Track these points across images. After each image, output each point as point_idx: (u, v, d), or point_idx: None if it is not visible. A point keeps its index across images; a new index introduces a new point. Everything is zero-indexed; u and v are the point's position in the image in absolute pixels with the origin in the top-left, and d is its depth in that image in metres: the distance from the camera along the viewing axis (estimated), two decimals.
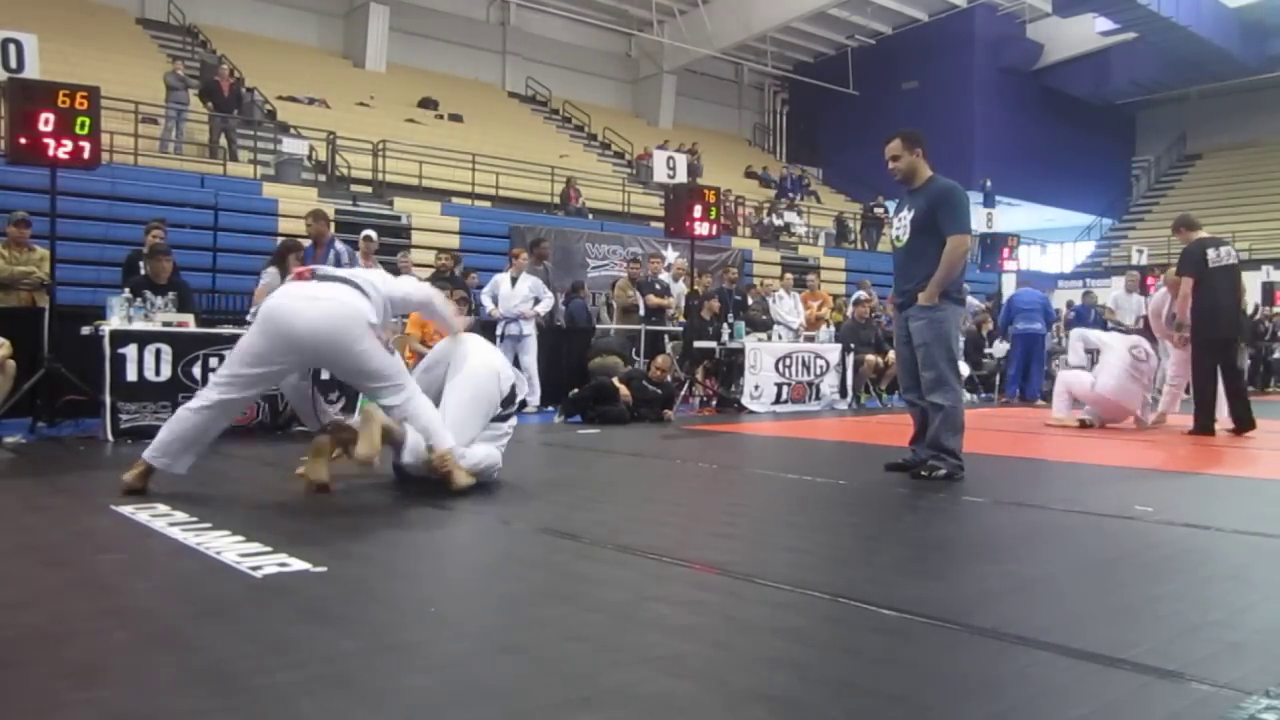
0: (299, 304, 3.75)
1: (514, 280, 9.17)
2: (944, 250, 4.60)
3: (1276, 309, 17.11)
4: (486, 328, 8.97)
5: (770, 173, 25.45)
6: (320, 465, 3.93)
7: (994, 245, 14.73)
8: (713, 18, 24.87)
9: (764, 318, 11.19)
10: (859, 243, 22.23)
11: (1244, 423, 7.14)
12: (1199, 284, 7.04)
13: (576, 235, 15.87)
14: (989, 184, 21.72)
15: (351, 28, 22.77)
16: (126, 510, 3.45)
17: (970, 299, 13.08)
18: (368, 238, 9.02)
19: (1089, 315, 15.23)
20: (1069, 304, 17.88)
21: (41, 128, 6.29)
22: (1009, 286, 16.79)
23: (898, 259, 4.98)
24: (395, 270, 8.47)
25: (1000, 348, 12.58)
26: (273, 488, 4.39)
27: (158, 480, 3.85)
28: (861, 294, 12.26)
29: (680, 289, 11.25)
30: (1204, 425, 7.11)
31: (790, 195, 23.27)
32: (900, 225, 4.89)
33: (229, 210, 12.55)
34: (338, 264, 7.89)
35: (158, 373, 6.12)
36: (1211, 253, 7.12)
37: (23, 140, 6.30)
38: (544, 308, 9.32)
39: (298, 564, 2.65)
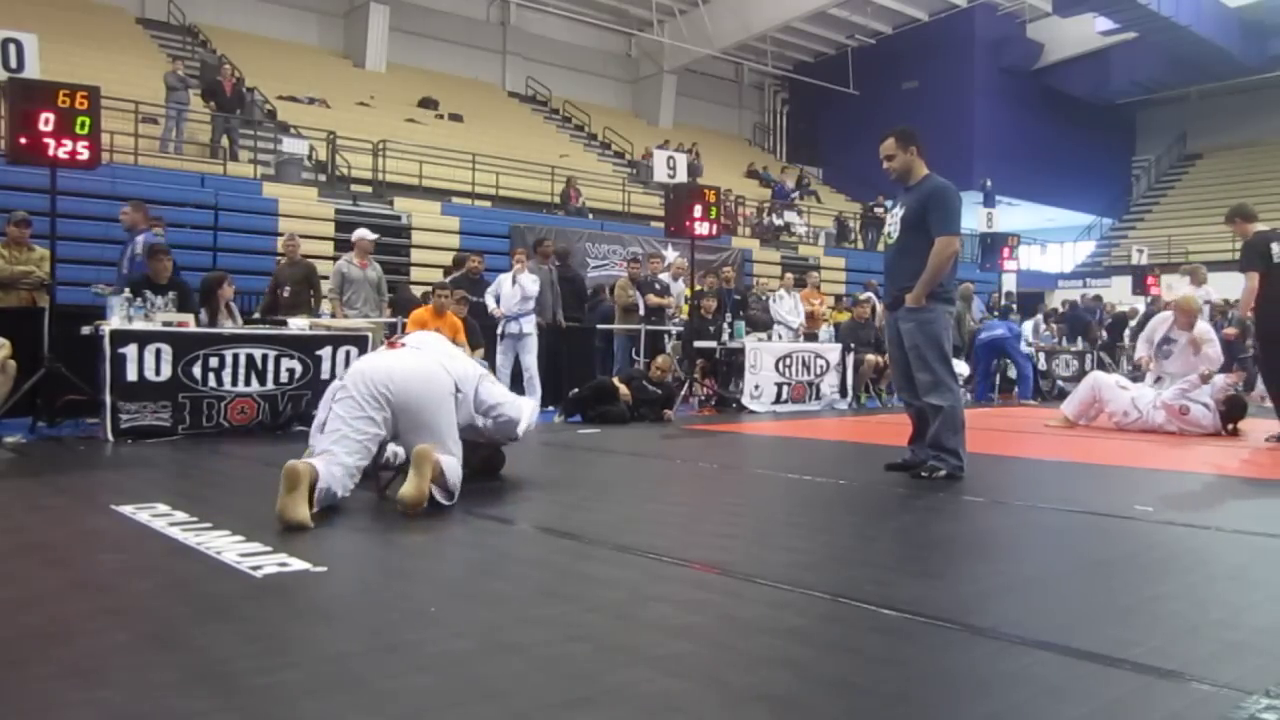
0: (389, 358, 3.78)
1: (514, 279, 9.18)
2: (931, 251, 4.57)
3: None
4: (488, 328, 9.00)
5: (770, 172, 25.46)
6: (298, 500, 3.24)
7: (994, 245, 14.74)
8: (713, 18, 24.87)
9: (764, 316, 11.19)
10: (859, 242, 22.24)
11: None
12: (1264, 279, 6.50)
13: (576, 235, 15.87)
14: (989, 184, 21.71)
15: (351, 27, 22.78)
16: (126, 510, 3.45)
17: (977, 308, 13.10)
18: (361, 237, 9.03)
19: (1093, 317, 15.24)
20: (1064, 302, 17.90)
21: (41, 127, 6.29)
22: (1009, 285, 16.85)
23: (888, 256, 4.98)
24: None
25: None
26: (273, 488, 4.38)
27: (158, 480, 3.85)
28: (867, 294, 12.28)
29: (680, 288, 11.25)
30: None
31: (792, 195, 23.26)
32: (892, 222, 4.88)
33: (229, 210, 12.57)
34: (132, 257, 7.78)
35: (158, 372, 6.12)
36: (1276, 246, 6.52)
37: (23, 140, 6.30)
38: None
39: (298, 564, 2.65)
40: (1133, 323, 15.47)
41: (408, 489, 3.39)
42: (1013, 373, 12.35)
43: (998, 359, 12.01)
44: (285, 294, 8.75)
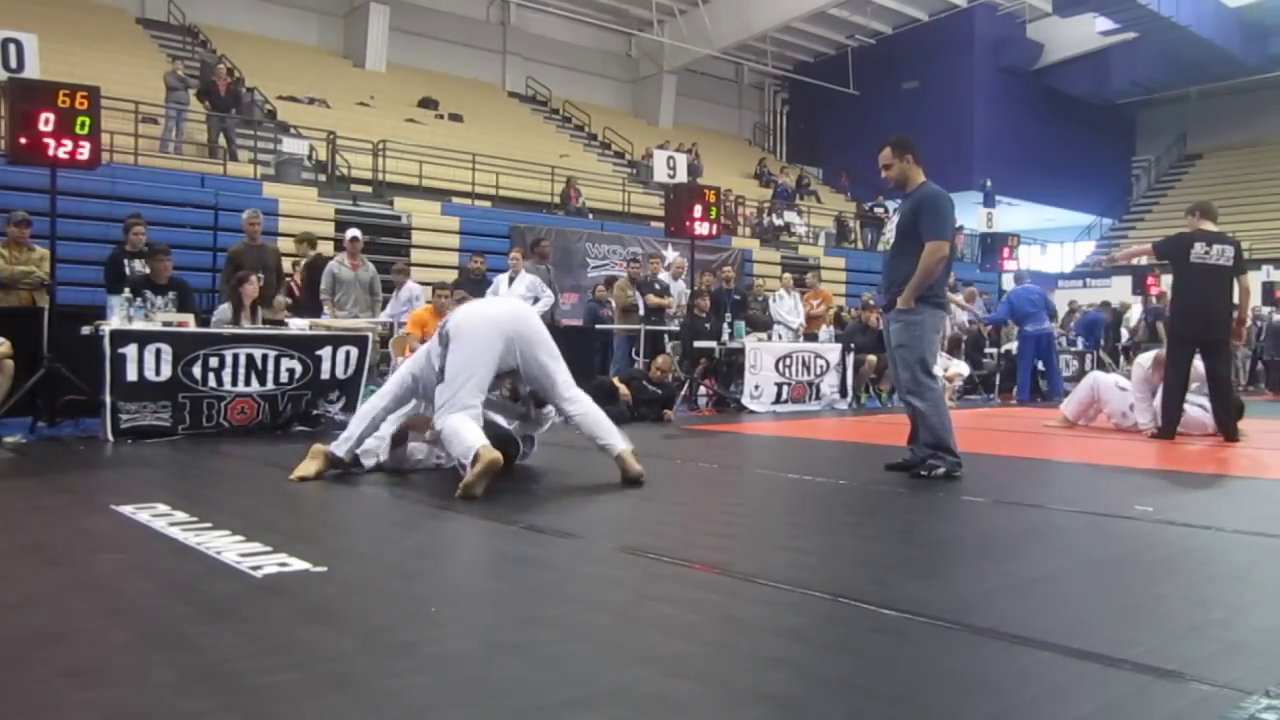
0: (496, 303, 4.70)
1: (511, 280, 9.17)
2: (920, 255, 4.68)
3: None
4: None
5: (770, 170, 25.45)
6: (311, 465, 4.33)
7: (994, 245, 14.72)
8: (713, 18, 24.86)
9: (764, 316, 11.18)
10: (859, 243, 22.24)
11: (1228, 431, 6.64)
12: (1180, 279, 6.80)
13: (576, 235, 15.86)
14: (989, 184, 21.71)
15: (351, 27, 22.77)
16: (126, 510, 3.45)
17: (962, 312, 13.05)
18: (354, 239, 9.01)
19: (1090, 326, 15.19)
20: (1071, 304, 17.85)
21: (41, 127, 6.28)
22: (1009, 286, 16.79)
23: (885, 261, 5.24)
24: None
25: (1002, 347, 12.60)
26: (273, 488, 4.39)
27: (158, 480, 3.85)
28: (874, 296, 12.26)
29: (680, 288, 11.25)
30: (1165, 430, 6.74)
31: (794, 194, 23.24)
32: (889, 228, 5.03)
33: (229, 210, 12.53)
34: None
35: (158, 373, 6.11)
36: (1199, 247, 6.62)
37: (23, 140, 6.30)
38: (542, 307, 9.30)
39: (298, 564, 2.65)
40: (1129, 315, 15.44)
41: (633, 470, 4.28)
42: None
43: (1039, 358, 11.85)
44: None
